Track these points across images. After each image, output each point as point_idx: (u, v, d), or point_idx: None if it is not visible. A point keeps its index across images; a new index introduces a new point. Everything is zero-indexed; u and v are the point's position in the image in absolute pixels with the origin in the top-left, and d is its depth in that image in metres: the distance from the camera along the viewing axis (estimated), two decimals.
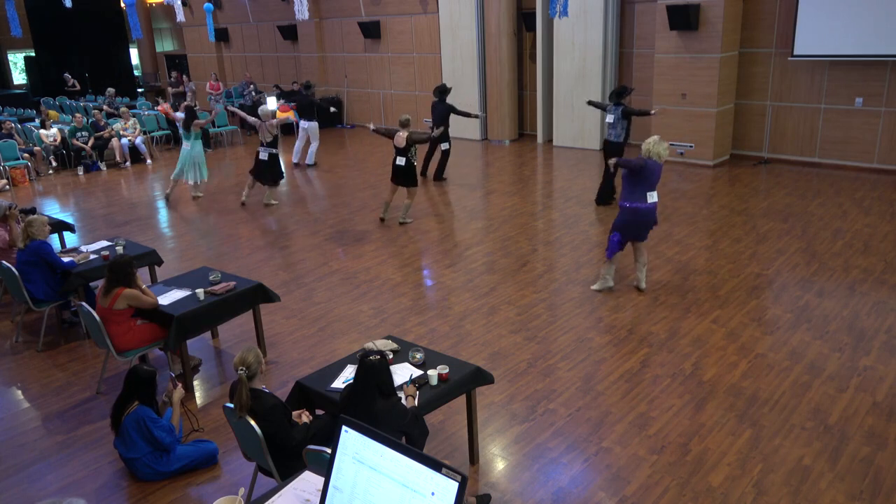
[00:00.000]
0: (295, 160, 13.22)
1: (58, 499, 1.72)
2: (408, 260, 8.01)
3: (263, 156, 10.07)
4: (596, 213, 9.44)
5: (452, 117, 11.13)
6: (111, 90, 18.73)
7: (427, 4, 15.05)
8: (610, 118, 9.22)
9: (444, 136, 10.88)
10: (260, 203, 10.68)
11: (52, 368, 5.93)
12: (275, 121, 10.10)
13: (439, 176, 11.47)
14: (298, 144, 13.20)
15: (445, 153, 11.34)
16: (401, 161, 8.86)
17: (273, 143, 10.07)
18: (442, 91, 11.16)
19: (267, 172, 10.21)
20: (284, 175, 10.77)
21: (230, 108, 12.35)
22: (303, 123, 12.91)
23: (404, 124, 8.95)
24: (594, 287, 6.84)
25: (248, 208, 10.46)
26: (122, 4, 16.51)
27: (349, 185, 11.61)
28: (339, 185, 11.67)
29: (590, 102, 9.98)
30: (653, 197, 6.41)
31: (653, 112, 9.29)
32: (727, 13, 10.83)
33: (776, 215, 8.87)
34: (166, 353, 5.72)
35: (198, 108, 13.19)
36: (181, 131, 10.97)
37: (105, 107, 17.05)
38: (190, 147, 10.79)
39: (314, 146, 13.11)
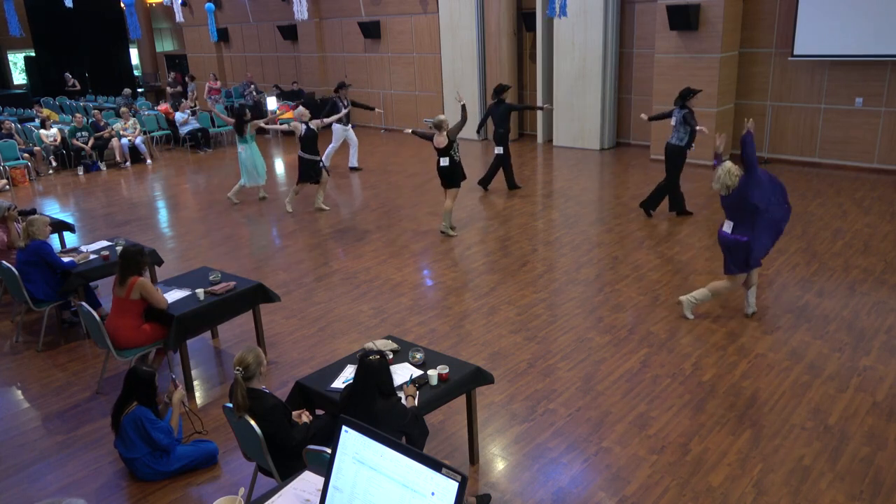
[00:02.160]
0: (351, 164, 12.57)
1: (57, 499, 1.72)
2: (408, 260, 8.01)
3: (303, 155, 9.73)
4: (597, 213, 9.44)
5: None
6: (128, 90, 18.66)
7: (427, 4, 15.05)
8: (673, 120, 8.60)
9: (500, 140, 10.22)
10: (258, 203, 10.68)
11: (52, 368, 5.93)
12: (300, 122, 9.69)
13: (512, 184, 10.63)
14: (333, 147, 12.35)
15: (499, 158, 10.38)
16: (444, 161, 8.44)
17: (308, 149, 9.67)
18: (499, 91, 10.18)
19: (310, 172, 9.80)
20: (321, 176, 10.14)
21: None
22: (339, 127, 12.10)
23: (438, 126, 8.42)
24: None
25: (248, 208, 10.46)
26: (122, 4, 16.48)
27: (350, 185, 11.61)
28: (339, 186, 11.67)
29: (651, 118, 9.17)
30: (727, 226, 5.91)
31: (700, 129, 8.28)
32: (727, 13, 10.83)
33: None
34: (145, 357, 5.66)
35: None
36: (235, 136, 10.56)
37: (123, 108, 16.69)
38: (244, 150, 10.41)
39: (331, 148, 12.37)
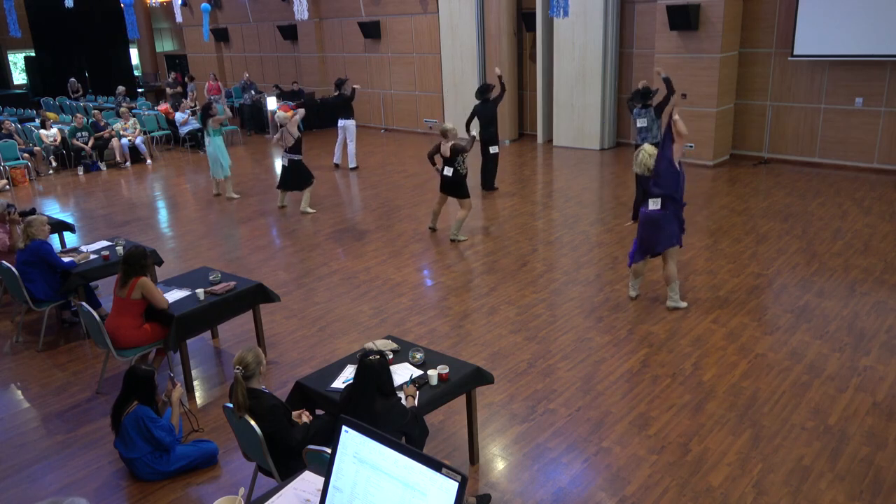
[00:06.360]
0: (336, 160, 12.79)
1: (59, 498, 1.72)
2: (408, 260, 8.01)
3: (285, 162, 9.89)
4: (597, 213, 9.44)
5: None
6: (122, 88, 18.63)
7: (427, 4, 15.05)
8: (643, 122, 8.64)
9: (494, 139, 10.27)
10: (260, 203, 10.69)
11: (52, 368, 5.93)
12: (296, 117, 9.86)
13: (489, 185, 10.57)
14: (338, 145, 12.70)
15: (494, 157, 10.44)
16: (448, 172, 8.37)
17: (295, 149, 9.73)
18: (484, 91, 10.14)
19: (292, 179, 9.95)
20: (314, 178, 10.18)
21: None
22: (340, 122, 12.38)
23: (445, 134, 8.34)
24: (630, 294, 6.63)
25: (248, 208, 10.46)
26: (121, 4, 16.46)
27: (350, 185, 11.61)
28: (339, 185, 11.67)
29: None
30: (654, 203, 6.14)
31: (663, 75, 8.62)
32: (727, 13, 10.83)
33: (776, 215, 8.87)
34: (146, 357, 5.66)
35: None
36: (204, 129, 11.17)
37: (122, 106, 16.53)
38: (209, 144, 10.90)
39: (351, 147, 12.50)
